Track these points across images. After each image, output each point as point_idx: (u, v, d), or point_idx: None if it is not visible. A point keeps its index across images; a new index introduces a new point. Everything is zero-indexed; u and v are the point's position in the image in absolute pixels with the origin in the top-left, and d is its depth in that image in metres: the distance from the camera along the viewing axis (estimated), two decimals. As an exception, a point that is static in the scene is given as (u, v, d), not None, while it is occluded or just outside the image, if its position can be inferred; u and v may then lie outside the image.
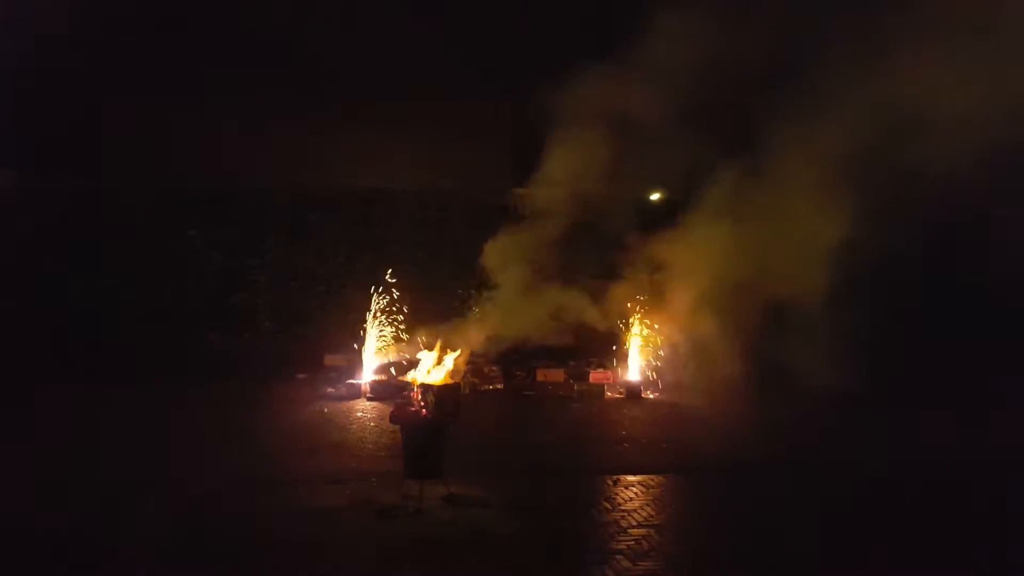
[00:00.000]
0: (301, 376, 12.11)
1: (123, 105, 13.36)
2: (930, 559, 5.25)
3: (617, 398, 11.54)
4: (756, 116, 10.01)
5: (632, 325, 12.02)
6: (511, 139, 14.94)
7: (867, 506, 6.28)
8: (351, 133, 13.79)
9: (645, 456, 7.97)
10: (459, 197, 13.40)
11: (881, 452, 8.25)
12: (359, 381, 11.22)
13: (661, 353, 11.80)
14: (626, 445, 8.58)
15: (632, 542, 5.22)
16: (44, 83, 12.94)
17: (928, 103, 8.24)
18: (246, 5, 13.87)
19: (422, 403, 6.12)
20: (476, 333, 8.65)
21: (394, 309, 11.56)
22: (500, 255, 10.04)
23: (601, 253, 12.05)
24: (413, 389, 6.35)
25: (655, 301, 11.59)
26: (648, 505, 6.08)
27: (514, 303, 9.50)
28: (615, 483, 6.69)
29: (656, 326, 11.84)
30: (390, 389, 10.69)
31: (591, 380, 11.74)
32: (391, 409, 6.40)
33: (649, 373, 11.92)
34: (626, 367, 12.04)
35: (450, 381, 6.31)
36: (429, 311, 10.96)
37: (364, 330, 11.55)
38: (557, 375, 11.92)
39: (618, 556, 4.97)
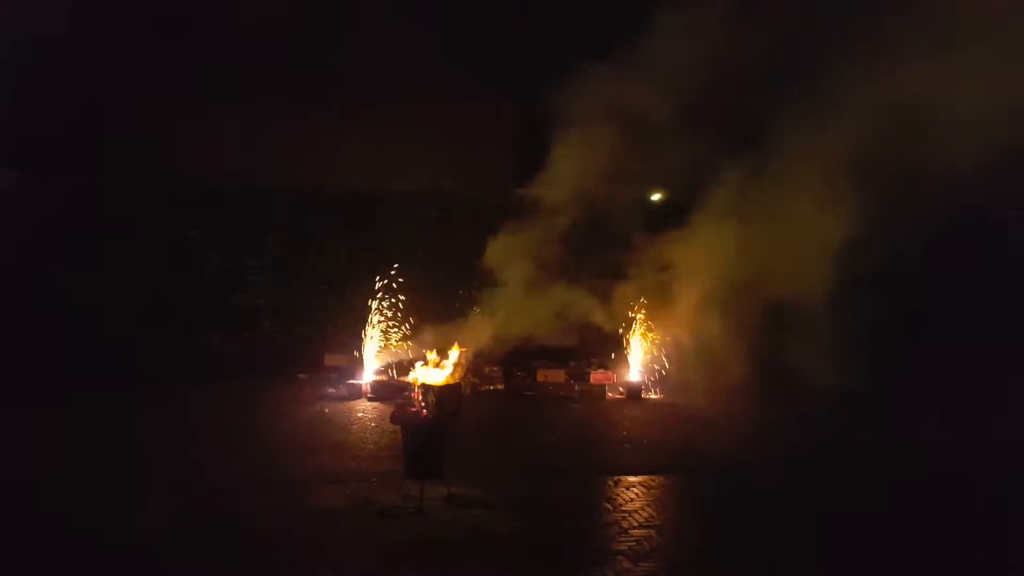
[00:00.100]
0: (302, 376, 12.09)
1: (123, 105, 13.35)
2: (930, 559, 5.25)
3: (618, 398, 11.53)
4: (760, 116, 10.00)
5: (633, 325, 12.00)
6: (511, 139, 14.95)
7: (867, 506, 6.28)
8: (351, 133, 13.78)
9: (646, 457, 7.98)
10: (460, 197, 13.39)
11: (881, 452, 8.25)
12: (360, 381, 11.21)
13: (662, 353, 11.79)
14: (627, 446, 8.58)
15: (633, 543, 5.22)
16: (44, 83, 12.91)
17: (931, 103, 8.23)
18: (246, 5, 13.87)
19: (423, 403, 6.12)
20: (480, 331, 8.64)
21: (395, 309, 11.56)
22: (504, 253, 10.02)
23: (606, 253, 12.04)
24: (414, 389, 6.35)
25: (658, 301, 11.57)
26: (649, 506, 6.08)
27: (519, 301, 9.49)
28: (616, 484, 6.69)
29: (658, 327, 11.82)
30: (391, 389, 10.69)
31: (592, 380, 11.70)
32: (392, 409, 6.41)
33: (650, 374, 11.90)
34: (627, 367, 12.03)
35: (451, 381, 6.31)
36: (430, 311, 10.96)
37: (365, 330, 11.55)
38: (558, 375, 11.89)
39: (619, 557, 4.98)
